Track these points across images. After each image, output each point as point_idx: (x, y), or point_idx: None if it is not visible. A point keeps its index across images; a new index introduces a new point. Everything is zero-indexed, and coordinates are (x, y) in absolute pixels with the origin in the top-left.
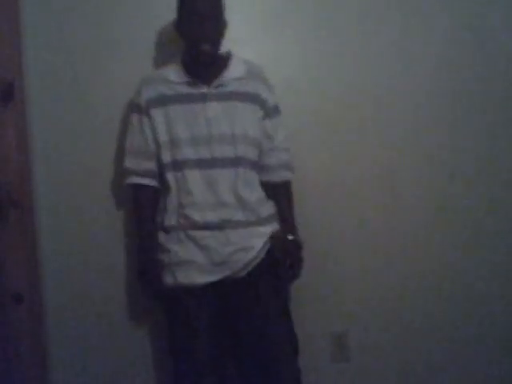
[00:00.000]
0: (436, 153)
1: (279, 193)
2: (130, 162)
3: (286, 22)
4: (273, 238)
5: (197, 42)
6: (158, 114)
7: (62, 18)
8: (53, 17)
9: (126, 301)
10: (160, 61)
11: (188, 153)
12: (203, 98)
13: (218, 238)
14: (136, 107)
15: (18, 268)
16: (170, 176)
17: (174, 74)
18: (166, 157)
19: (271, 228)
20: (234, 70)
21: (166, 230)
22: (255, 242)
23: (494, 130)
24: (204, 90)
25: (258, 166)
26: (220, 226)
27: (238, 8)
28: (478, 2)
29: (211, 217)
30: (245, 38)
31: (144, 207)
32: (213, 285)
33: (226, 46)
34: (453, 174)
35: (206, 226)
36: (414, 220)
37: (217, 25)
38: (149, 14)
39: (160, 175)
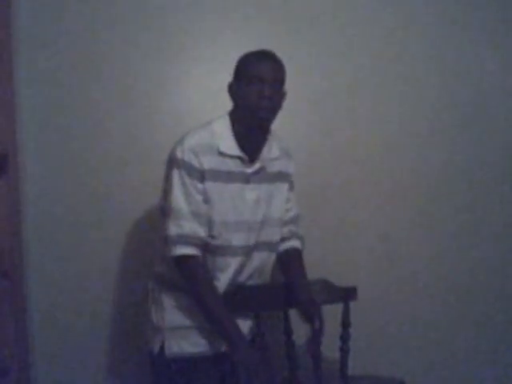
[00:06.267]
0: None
1: (291, 259)
2: (180, 228)
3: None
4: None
5: (256, 109)
6: (211, 188)
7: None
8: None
9: None
10: None
11: (232, 238)
12: (246, 179)
13: None
14: (194, 171)
15: None
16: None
17: (225, 144)
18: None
19: None
20: (271, 150)
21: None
22: None
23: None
24: (249, 170)
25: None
26: None
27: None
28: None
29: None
30: None
31: (210, 283)
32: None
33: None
34: None
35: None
36: None
37: (278, 93)
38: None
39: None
